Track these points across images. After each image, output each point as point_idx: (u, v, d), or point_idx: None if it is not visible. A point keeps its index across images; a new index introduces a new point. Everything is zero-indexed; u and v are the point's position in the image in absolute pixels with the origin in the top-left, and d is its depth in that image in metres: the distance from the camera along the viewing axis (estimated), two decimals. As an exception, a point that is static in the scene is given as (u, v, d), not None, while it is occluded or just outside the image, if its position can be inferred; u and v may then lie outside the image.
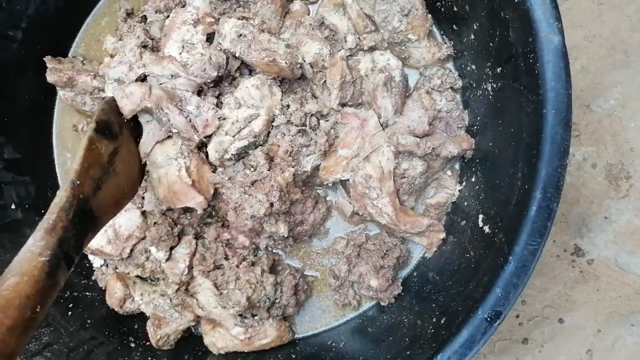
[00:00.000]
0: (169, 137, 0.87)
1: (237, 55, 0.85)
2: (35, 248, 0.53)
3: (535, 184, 0.68)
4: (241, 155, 0.87)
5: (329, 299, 0.99)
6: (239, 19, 0.89)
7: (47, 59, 0.93)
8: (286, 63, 0.85)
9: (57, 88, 0.94)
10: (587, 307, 1.01)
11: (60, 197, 0.60)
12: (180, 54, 0.87)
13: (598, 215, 1.00)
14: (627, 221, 0.99)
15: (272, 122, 0.87)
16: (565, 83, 0.67)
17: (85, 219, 0.62)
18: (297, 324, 1.00)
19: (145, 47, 0.93)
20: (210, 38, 0.90)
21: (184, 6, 0.91)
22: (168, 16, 0.93)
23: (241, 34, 0.88)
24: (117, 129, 0.73)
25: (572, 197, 1.00)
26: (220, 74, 0.85)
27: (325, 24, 0.95)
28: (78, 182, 0.62)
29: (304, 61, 0.91)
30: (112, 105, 0.76)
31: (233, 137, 0.85)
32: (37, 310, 0.50)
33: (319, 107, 0.90)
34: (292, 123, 0.88)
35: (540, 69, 0.68)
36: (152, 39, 0.94)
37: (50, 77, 0.91)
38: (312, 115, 0.90)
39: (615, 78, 1.00)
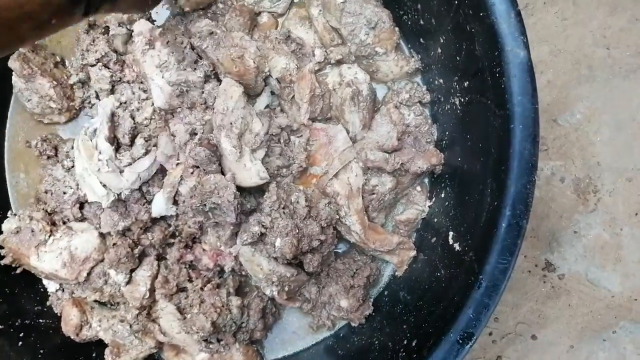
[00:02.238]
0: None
1: (204, 49, 0.83)
2: None
3: (505, 201, 0.67)
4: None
5: (299, 320, 0.96)
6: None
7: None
8: (254, 63, 0.83)
9: (14, 73, 0.90)
10: (559, 323, 1.00)
11: None
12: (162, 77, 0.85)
13: (568, 230, 1.00)
14: (596, 235, 0.99)
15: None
16: (532, 98, 0.66)
17: None
18: (266, 347, 0.96)
19: (106, 66, 0.91)
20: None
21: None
22: (130, 30, 0.90)
23: (212, 32, 0.86)
24: None
25: (542, 212, 1.00)
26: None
27: (292, 37, 0.93)
28: None
29: (271, 75, 0.89)
30: None
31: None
32: (52, 22, 0.52)
33: (289, 121, 0.88)
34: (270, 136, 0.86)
35: (506, 83, 0.67)
36: (116, 52, 0.92)
37: (12, 62, 0.88)
38: (282, 129, 0.88)
39: (580, 92, 1.01)
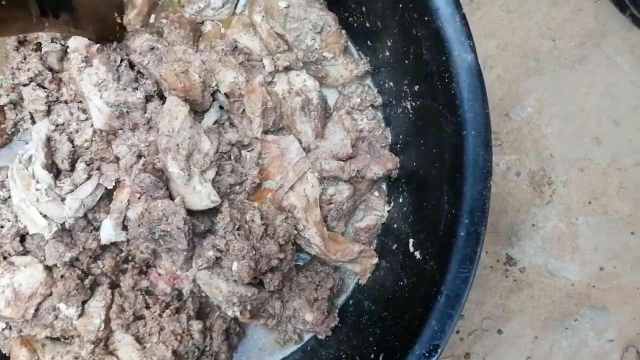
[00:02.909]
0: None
1: (145, 65, 0.78)
2: None
3: (462, 209, 0.66)
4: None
5: (265, 336, 0.94)
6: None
7: None
8: (200, 77, 0.79)
9: None
10: (523, 315, 1.01)
11: None
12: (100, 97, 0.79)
13: (526, 223, 1.01)
14: (552, 227, 1.00)
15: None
16: (482, 102, 0.65)
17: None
18: (232, 368, 0.93)
19: (41, 85, 0.85)
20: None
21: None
22: (65, 46, 0.84)
23: (153, 47, 0.81)
24: None
25: (500, 207, 1.00)
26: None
27: (239, 48, 0.89)
28: None
29: (218, 90, 0.85)
30: None
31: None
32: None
33: (239, 136, 0.85)
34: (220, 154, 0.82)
35: (456, 88, 0.66)
36: (51, 70, 0.86)
37: None
38: (232, 145, 0.84)
39: (529, 85, 1.01)
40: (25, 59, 0.85)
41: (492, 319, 1.02)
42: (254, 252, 0.77)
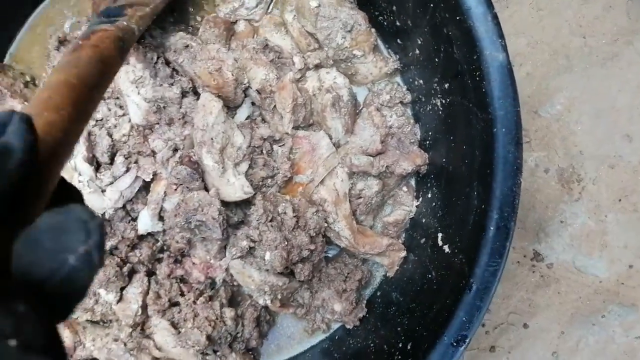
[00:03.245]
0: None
1: (180, 63, 0.81)
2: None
3: (492, 204, 0.67)
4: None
5: (294, 325, 0.96)
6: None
7: None
8: (232, 75, 0.82)
9: None
10: (549, 311, 1.02)
11: None
12: (138, 93, 0.83)
13: (554, 220, 1.01)
14: (581, 224, 1.00)
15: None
16: (513, 101, 0.66)
17: None
18: (262, 354, 0.96)
19: None
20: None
21: None
22: None
23: (188, 45, 0.84)
24: None
25: (528, 203, 1.01)
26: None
27: (270, 46, 0.91)
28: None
29: (250, 86, 0.87)
30: None
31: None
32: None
33: (271, 131, 0.87)
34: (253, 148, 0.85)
35: (486, 87, 0.67)
36: None
37: None
38: (264, 140, 0.87)
39: (559, 83, 1.01)
40: None
41: (518, 314, 1.03)
42: (286, 243, 0.79)
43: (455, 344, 0.68)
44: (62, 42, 0.91)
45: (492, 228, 0.67)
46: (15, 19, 0.92)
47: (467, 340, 0.68)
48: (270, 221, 0.82)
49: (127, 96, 0.85)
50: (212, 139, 0.80)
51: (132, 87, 0.85)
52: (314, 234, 0.84)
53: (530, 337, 1.03)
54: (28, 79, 0.93)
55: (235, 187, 0.81)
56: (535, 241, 1.02)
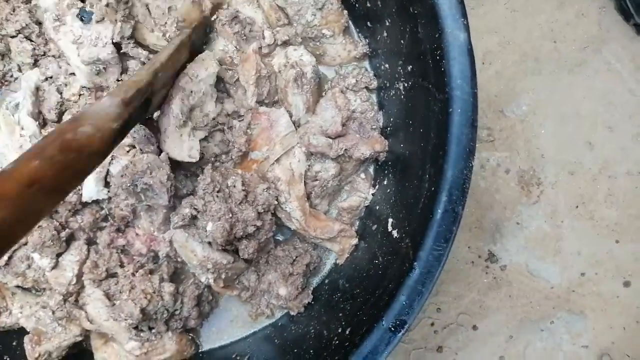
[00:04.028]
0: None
1: None
2: (111, 111, 0.56)
3: (441, 187, 0.65)
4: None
5: (237, 309, 0.93)
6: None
7: None
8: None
9: None
10: (499, 314, 1.00)
11: (140, 77, 0.62)
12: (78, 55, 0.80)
13: (511, 221, 1.00)
14: (537, 227, 0.99)
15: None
16: (471, 81, 0.65)
17: (146, 107, 0.67)
18: (202, 336, 0.92)
19: (28, 38, 0.84)
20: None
21: None
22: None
23: None
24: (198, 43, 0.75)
25: (487, 203, 1.00)
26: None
27: (239, 18, 0.89)
28: (160, 72, 0.65)
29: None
30: (208, 19, 0.77)
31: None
32: (95, 167, 0.55)
33: (236, 107, 0.85)
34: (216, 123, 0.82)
35: (446, 66, 0.65)
36: (39, 24, 0.85)
37: None
38: (228, 115, 0.84)
39: (527, 84, 1.01)
40: (14, 10, 0.84)
41: (468, 315, 1.01)
42: (230, 215, 0.76)
43: (393, 328, 0.66)
44: None
45: (439, 211, 0.65)
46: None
47: (406, 327, 0.66)
48: (218, 192, 0.78)
49: (69, 58, 0.82)
50: (192, 91, 0.77)
51: (73, 47, 0.81)
52: (262, 211, 0.81)
53: (478, 339, 1.01)
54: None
55: (184, 146, 0.78)
56: (491, 242, 1.01)
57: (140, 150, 0.79)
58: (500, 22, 1.01)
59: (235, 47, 0.85)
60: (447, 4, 0.65)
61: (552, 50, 1.01)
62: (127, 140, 0.79)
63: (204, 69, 0.79)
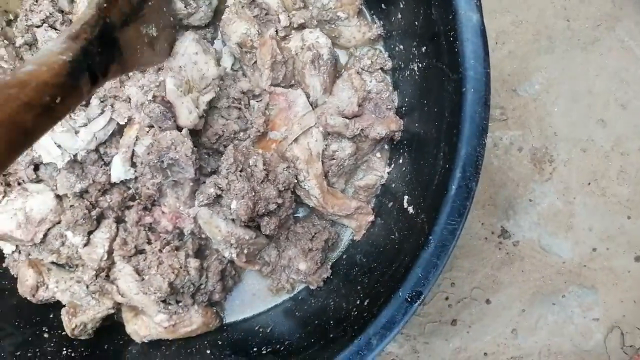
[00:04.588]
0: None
1: None
2: (56, 48, 0.51)
3: (455, 163, 0.68)
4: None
5: (259, 283, 0.97)
6: None
7: None
8: None
9: None
10: (512, 288, 1.03)
11: (85, 13, 0.58)
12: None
13: (523, 198, 1.02)
14: (549, 204, 1.02)
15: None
16: (484, 62, 0.67)
17: (111, 45, 0.61)
18: (226, 310, 0.97)
19: (52, 27, 0.88)
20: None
21: None
22: None
23: None
24: None
25: (500, 181, 1.02)
26: None
27: (257, 2, 0.91)
28: (105, 5, 0.60)
29: (230, 39, 0.88)
30: None
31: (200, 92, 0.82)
32: (56, 101, 0.48)
33: (251, 86, 0.87)
34: (232, 100, 0.85)
35: (459, 47, 0.67)
36: (62, 12, 0.89)
37: None
38: (244, 94, 0.87)
39: (540, 63, 1.02)
40: (37, 1, 0.88)
41: (481, 289, 1.04)
42: (253, 194, 0.80)
43: (409, 299, 0.69)
44: None
45: (453, 187, 0.68)
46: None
47: (422, 297, 0.69)
48: (240, 171, 0.82)
49: None
50: (180, 66, 0.80)
51: None
52: (283, 189, 0.84)
53: (491, 313, 1.04)
54: (11, 17, 0.91)
55: (184, 108, 0.80)
56: (504, 218, 1.03)
57: (159, 127, 0.83)
58: (513, 2, 1.02)
59: (257, 30, 0.88)
60: (461, -15, 0.67)
61: (565, 28, 1.02)
62: (146, 120, 0.82)
63: (182, 44, 0.82)
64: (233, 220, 0.84)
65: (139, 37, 0.70)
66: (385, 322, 0.70)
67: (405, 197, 0.82)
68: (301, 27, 0.93)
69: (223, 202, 0.82)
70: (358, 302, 0.78)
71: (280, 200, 0.83)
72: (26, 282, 0.89)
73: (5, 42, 0.88)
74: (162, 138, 0.78)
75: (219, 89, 0.84)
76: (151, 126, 0.84)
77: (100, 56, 0.58)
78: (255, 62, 0.90)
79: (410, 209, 0.80)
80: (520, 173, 1.02)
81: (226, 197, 0.82)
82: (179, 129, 0.81)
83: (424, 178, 0.78)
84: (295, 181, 0.87)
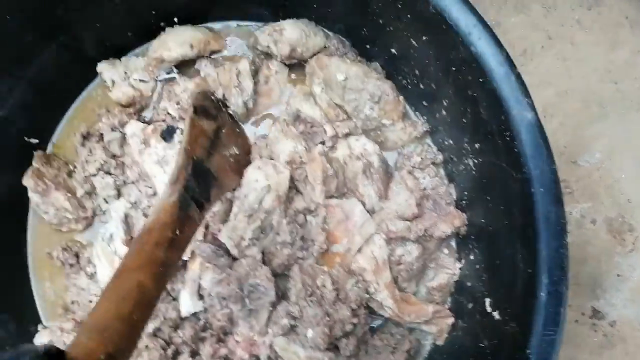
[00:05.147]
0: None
1: None
2: (165, 195, 0.64)
3: (539, 268, 0.64)
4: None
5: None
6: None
7: (38, 155, 0.92)
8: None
9: (29, 190, 0.91)
10: (619, 373, 0.94)
11: (177, 160, 0.69)
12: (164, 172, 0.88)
13: (610, 274, 0.95)
14: (640, 276, 0.94)
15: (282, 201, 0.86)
16: (548, 159, 0.64)
17: (204, 175, 0.72)
18: None
19: (108, 172, 0.93)
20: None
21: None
22: (123, 132, 0.93)
23: None
24: (213, 112, 0.80)
25: (579, 257, 0.96)
26: None
27: (301, 117, 0.93)
28: (189, 148, 0.70)
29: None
30: (204, 94, 0.81)
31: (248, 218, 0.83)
32: (177, 234, 0.60)
33: (306, 203, 0.88)
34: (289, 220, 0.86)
35: (518, 146, 0.66)
36: (114, 157, 0.94)
37: (26, 180, 0.89)
38: (300, 212, 0.88)
39: (595, 131, 0.99)
40: (90, 151, 0.94)
41: (584, 378, 0.95)
42: (327, 318, 0.78)
43: (518, 421, 0.63)
44: (85, 136, 0.96)
45: (542, 294, 0.63)
46: (59, 109, 0.98)
47: (531, 418, 0.63)
48: (310, 295, 0.80)
49: (154, 177, 0.89)
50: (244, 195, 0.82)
51: (157, 167, 0.88)
52: (356, 307, 0.82)
53: (602, 403, 0.94)
54: (71, 167, 0.96)
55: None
56: (593, 297, 0.96)
57: (214, 265, 0.84)
58: (554, 73, 1.01)
59: (304, 147, 0.89)
60: (509, 87, 0.66)
61: (614, 91, 0.99)
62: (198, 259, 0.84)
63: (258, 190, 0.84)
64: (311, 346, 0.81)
65: (225, 160, 0.79)
66: None
67: (487, 300, 0.78)
68: (346, 135, 0.94)
69: (298, 331, 0.80)
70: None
71: (355, 320, 0.81)
72: None
73: (68, 194, 0.93)
74: (237, 266, 0.79)
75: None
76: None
77: (199, 187, 0.68)
78: (307, 176, 0.90)
79: (496, 315, 0.75)
80: (600, 247, 0.96)
81: (300, 325, 0.80)
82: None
83: (504, 280, 0.73)
84: (367, 295, 0.85)
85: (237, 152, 0.83)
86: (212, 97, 0.82)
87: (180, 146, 0.73)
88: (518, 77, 0.67)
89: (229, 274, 0.82)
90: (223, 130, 0.81)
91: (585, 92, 1.00)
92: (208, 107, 0.82)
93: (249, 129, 0.96)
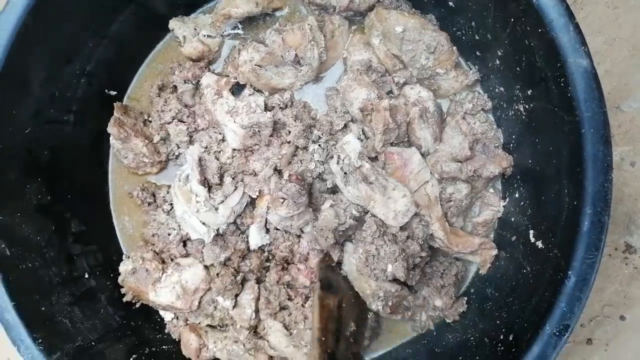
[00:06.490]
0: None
1: None
2: None
3: (584, 201, 0.71)
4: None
5: (395, 322, 1.01)
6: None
7: (118, 105, 0.99)
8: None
9: (111, 137, 0.99)
10: (646, 302, 1.02)
11: (314, 356, 0.77)
12: (234, 121, 0.94)
13: (644, 212, 1.02)
14: (674, 215, 1.00)
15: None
16: (599, 102, 0.70)
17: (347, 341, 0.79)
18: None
19: (181, 120, 1.01)
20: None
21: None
22: (197, 84, 1.00)
23: None
24: (335, 283, 0.87)
25: (616, 197, 1.02)
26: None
27: (373, 67, 0.98)
28: (323, 338, 0.77)
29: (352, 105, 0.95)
30: (325, 263, 0.88)
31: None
32: None
33: (368, 150, 0.94)
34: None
35: (572, 91, 0.71)
36: (187, 106, 1.01)
37: (111, 129, 0.97)
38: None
39: (640, 78, 1.02)
40: (166, 102, 1.01)
41: (613, 306, 1.04)
42: (404, 254, 0.86)
43: (557, 333, 0.72)
44: (161, 88, 1.03)
45: (586, 223, 0.71)
46: (134, 64, 1.06)
47: (570, 330, 0.72)
48: (384, 235, 0.89)
49: (225, 125, 0.96)
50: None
51: (228, 117, 0.95)
52: (422, 242, 0.90)
53: (628, 329, 1.04)
54: (146, 117, 1.04)
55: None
56: (626, 234, 1.03)
57: (294, 202, 0.91)
58: (603, 22, 1.04)
59: (377, 95, 0.93)
60: (567, 36, 0.71)
61: (661, 39, 1.02)
62: (280, 194, 0.91)
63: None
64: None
65: (347, 342, 0.85)
66: (536, 356, 0.73)
67: (531, 232, 0.86)
68: (403, 84, 0.98)
69: (376, 266, 0.88)
70: (502, 337, 0.82)
71: (424, 254, 0.89)
72: (191, 345, 0.99)
73: (145, 140, 1.01)
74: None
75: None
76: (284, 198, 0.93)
77: (344, 346, 0.76)
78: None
79: (539, 244, 0.83)
80: (637, 187, 1.02)
81: (378, 261, 0.88)
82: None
83: (549, 213, 0.81)
84: (430, 232, 0.93)
85: (355, 329, 0.88)
86: (332, 264, 0.87)
87: (312, 334, 0.80)
88: (576, 27, 0.72)
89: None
90: (343, 305, 0.88)
91: (633, 40, 1.03)
92: (331, 279, 0.88)
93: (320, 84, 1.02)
